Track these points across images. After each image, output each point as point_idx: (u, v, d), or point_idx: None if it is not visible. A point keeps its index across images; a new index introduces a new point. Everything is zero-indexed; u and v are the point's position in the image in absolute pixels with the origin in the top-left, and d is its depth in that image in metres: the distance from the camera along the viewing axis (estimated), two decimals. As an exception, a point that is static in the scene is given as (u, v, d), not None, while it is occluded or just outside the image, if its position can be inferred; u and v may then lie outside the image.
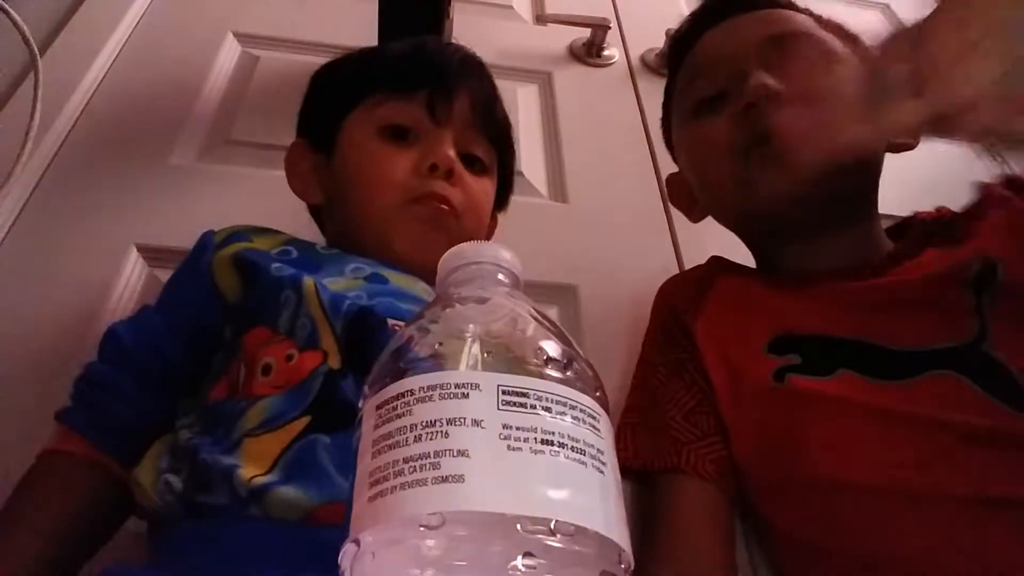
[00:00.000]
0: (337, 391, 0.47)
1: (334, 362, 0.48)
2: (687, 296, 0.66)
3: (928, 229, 0.60)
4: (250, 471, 0.42)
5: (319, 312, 0.50)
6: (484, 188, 0.68)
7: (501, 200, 0.75)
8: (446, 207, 0.61)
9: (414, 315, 0.52)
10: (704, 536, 0.55)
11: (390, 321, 0.51)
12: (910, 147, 0.64)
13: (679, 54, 0.70)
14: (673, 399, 0.60)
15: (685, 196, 0.74)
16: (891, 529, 0.47)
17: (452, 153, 0.62)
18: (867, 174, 0.61)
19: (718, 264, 0.70)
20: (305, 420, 0.45)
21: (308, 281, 0.52)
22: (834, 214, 0.60)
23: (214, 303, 0.57)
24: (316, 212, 0.72)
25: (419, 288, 0.58)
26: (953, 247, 0.56)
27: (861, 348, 0.53)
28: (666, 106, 0.76)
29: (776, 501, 0.56)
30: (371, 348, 0.49)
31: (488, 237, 0.75)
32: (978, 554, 0.43)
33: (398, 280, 0.58)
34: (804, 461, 0.51)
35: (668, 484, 0.56)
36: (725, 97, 0.63)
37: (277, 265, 0.55)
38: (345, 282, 0.55)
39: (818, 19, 0.67)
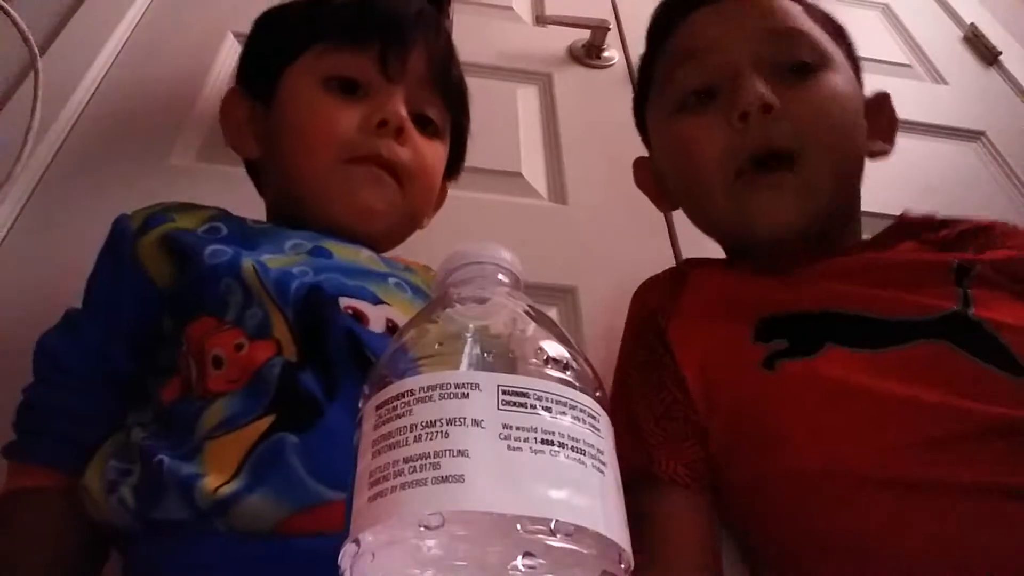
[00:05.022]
0: (298, 384, 0.44)
1: (289, 353, 0.45)
2: (661, 294, 0.64)
3: (912, 228, 0.60)
4: (214, 480, 0.39)
5: (267, 299, 0.47)
6: (435, 151, 0.63)
7: (453, 167, 0.70)
8: (386, 173, 0.58)
9: (363, 292, 0.51)
10: (684, 537, 0.54)
11: (342, 301, 0.48)
12: (887, 153, 0.64)
13: (662, 30, 0.66)
14: (645, 403, 0.59)
15: (653, 183, 0.70)
16: (881, 519, 0.45)
17: (403, 111, 0.58)
18: (858, 188, 0.61)
19: (691, 262, 0.69)
20: (269, 419, 0.42)
21: (247, 264, 0.48)
22: (826, 235, 0.59)
23: (148, 295, 0.52)
24: (253, 169, 0.68)
25: (363, 258, 0.55)
26: (931, 248, 0.56)
27: (846, 319, 0.52)
28: (642, 85, 0.70)
29: (759, 499, 0.54)
30: (326, 336, 0.46)
31: (438, 206, 0.72)
32: (973, 546, 0.41)
33: (342, 252, 0.55)
34: (791, 451, 0.50)
35: (644, 487, 0.56)
36: (714, 93, 0.59)
37: (211, 249, 0.50)
38: (286, 258, 0.51)
39: (807, 7, 0.64)
